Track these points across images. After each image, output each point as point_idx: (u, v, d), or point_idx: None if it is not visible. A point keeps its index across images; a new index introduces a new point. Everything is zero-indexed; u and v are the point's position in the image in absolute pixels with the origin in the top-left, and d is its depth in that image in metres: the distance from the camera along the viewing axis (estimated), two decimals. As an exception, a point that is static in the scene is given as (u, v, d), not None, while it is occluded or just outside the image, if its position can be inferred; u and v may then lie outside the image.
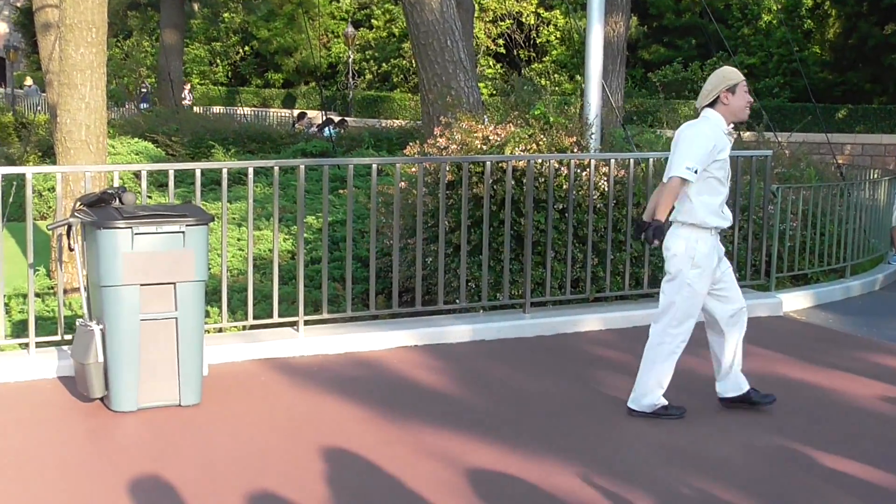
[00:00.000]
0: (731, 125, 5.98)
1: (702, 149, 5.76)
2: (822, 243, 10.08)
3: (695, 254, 5.83)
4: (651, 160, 8.67)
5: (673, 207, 5.86)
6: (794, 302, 9.35)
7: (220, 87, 45.75)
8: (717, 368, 6.17)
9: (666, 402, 6.00)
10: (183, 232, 5.93)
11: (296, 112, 32.27)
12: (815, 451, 5.46)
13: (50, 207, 13.19)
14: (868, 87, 31.13)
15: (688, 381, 6.47)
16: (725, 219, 5.97)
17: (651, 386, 5.98)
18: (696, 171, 5.73)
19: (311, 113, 31.73)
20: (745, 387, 6.14)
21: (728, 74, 5.94)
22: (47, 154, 17.30)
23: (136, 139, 18.25)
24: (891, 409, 6.30)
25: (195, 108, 31.16)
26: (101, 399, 6.01)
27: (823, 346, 7.95)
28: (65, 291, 7.25)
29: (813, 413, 6.20)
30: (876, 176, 12.44)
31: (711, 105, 5.93)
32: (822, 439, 5.66)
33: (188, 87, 35.91)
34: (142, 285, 5.84)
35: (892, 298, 10.36)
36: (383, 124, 26.77)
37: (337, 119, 25.55)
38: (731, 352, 6.07)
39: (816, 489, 4.96)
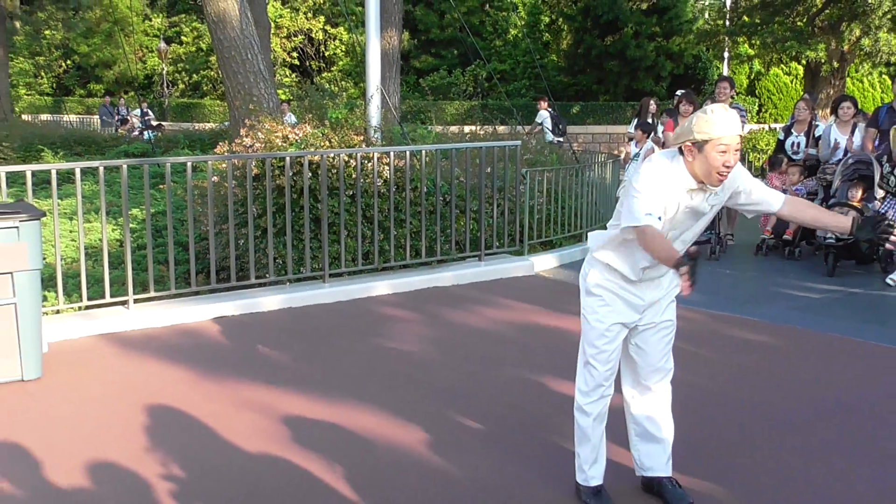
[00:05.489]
0: (701, 184, 3.57)
1: (656, 189, 3.53)
2: (563, 215, 10.45)
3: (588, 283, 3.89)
4: (423, 151, 8.86)
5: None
6: (544, 263, 9.68)
7: (45, 98, 43.40)
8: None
9: (594, 486, 3.97)
10: (17, 227, 5.62)
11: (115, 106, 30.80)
12: (553, 378, 5.69)
13: None
14: (595, 87, 32.43)
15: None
16: (637, 274, 3.77)
17: (578, 462, 4.04)
18: (660, 218, 3.48)
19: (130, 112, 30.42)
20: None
21: (702, 125, 3.47)
22: None
23: (-34, 146, 17.06)
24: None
25: (24, 117, 29.38)
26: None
27: (568, 297, 8.25)
28: None
29: (563, 350, 6.43)
30: (603, 159, 12.96)
31: (681, 150, 3.60)
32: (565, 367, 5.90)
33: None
34: (-19, 276, 5.52)
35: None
36: (196, 127, 26.00)
37: (155, 123, 24.76)
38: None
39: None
